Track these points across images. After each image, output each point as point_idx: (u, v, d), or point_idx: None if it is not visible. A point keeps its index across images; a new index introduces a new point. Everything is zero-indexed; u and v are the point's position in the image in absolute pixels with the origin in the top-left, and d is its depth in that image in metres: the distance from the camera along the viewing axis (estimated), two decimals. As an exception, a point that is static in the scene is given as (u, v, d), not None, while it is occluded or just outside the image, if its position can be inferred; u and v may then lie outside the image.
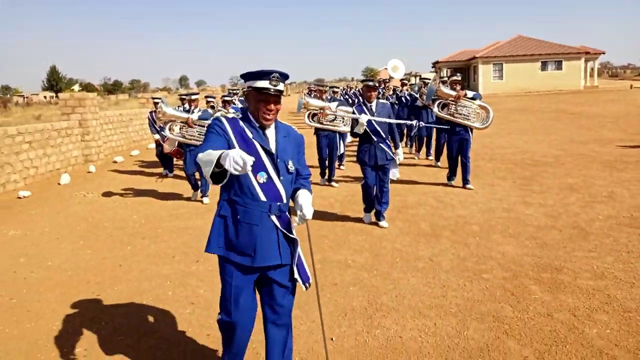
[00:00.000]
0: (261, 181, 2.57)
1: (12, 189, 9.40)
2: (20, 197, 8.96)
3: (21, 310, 4.27)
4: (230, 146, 2.52)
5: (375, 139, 5.98)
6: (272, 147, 2.64)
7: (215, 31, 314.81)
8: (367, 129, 5.94)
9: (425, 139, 11.37)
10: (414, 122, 7.03)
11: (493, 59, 40.53)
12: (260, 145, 2.60)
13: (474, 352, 3.25)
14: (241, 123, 2.64)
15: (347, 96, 18.42)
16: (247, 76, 2.57)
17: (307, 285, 2.75)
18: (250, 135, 2.60)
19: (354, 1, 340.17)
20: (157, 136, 10.15)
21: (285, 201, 2.67)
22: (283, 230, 2.65)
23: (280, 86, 2.54)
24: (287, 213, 2.72)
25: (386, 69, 19.78)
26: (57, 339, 3.73)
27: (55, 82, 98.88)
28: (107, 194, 8.91)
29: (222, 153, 2.24)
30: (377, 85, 6.18)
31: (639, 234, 5.32)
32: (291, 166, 2.68)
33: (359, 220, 6.37)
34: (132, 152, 14.35)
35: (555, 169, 9.03)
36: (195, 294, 4.39)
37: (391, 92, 13.61)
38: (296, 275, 2.71)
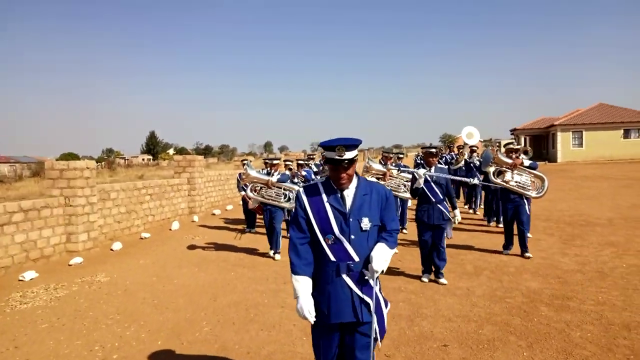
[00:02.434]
0: (329, 243, 2.77)
1: (135, 232, 11.60)
2: (142, 238, 11.12)
3: (162, 307, 6.01)
4: (306, 216, 2.84)
5: (433, 200, 6.53)
6: (347, 206, 2.79)
7: (299, 98, 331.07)
8: (426, 190, 6.55)
9: (494, 204, 11.10)
10: (470, 180, 8.07)
11: (572, 127, 40.50)
12: (333, 207, 2.80)
13: (482, 341, 4.52)
14: (320, 187, 2.88)
15: (421, 161, 19.77)
16: (322, 146, 2.79)
17: (379, 341, 2.87)
18: (325, 199, 2.82)
19: (433, 69, 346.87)
20: (243, 192, 11.47)
21: (358, 260, 2.76)
22: (355, 289, 2.78)
23: (347, 155, 2.70)
24: (363, 271, 2.79)
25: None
26: (190, 322, 5.40)
27: (152, 146, 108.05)
28: (211, 238, 10.85)
29: (299, 294, 2.77)
30: (436, 152, 6.78)
31: (652, 278, 6.28)
32: (365, 224, 2.77)
33: (413, 264, 7.65)
34: (227, 207, 16.56)
35: (603, 229, 9.88)
36: (284, 302, 5.94)
37: (462, 162, 14.12)
38: (375, 333, 2.81)
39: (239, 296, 6.30)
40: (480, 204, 13.51)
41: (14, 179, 38.17)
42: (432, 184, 6.60)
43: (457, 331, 4.81)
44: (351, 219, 2.76)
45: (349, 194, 2.82)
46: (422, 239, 6.70)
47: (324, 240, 2.77)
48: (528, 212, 7.98)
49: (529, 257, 7.68)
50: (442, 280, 6.55)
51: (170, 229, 12.28)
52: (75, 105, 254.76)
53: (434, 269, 6.69)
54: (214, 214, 15.10)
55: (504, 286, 6.25)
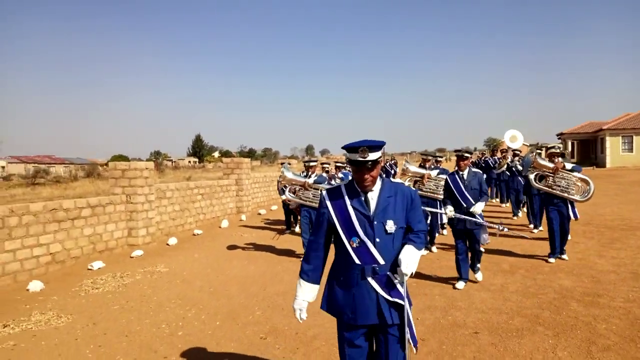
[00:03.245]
0: (354, 246, 2.75)
1: (188, 229, 12.38)
2: (194, 234, 11.87)
3: (217, 294, 6.62)
4: (330, 220, 2.86)
5: (465, 205, 6.61)
6: (372, 209, 2.78)
7: (342, 101, 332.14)
8: (457, 196, 6.66)
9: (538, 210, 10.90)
10: (446, 212, 6.88)
11: (622, 131, 39.49)
12: (356, 210, 2.79)
13: (511, 330, 4.90)
14: (343, 190, 2.87)
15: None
16: (345, 149, 2.76)
17: (415, 348, 2.86)
18: (348, 202, 2.81)
19: (478, 72, 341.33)
20: (284, 197, 11.44)
21: (383, 262, 2.75)
22: (381, 292, 2.76)
23: (371, 156, 2.68)
24: (388, 274, 2.78)
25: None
26: (244, 307, 5.98)
27: (198, 149, 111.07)
28: (258, 235, 11.50)
29: (297, 296, 2.95)
30: (467, 156, 6.74)
31: (686, 279, 6.44)
32: (390, 227, 2.76)
33: (450, 261, 7.97)
34: (272, 207, 17.26)
35: (645, 233, 9.93)
36: (328, 293, 6.44)
37: (504, 166, 13.90)
38: (407, 336, 2.78)
39: (286, 286, 6.85)
40: (522, 208, 13.45)
41: (69, 179, 40.47)
42: (464, 188, 6.66)
43: (488, 321, 5.19)
44: (375, 222, 2.76)
45: (373, 196, 2.81)
46: (456, 244, 6.74)
47: (349, 243, 2.76)
48: (573, 217, 7.82)
49: (564, 260, 7.76)
50: (478, 276, 6.70)
51: (220, 227, 13.01)
52: (122, 108, 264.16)
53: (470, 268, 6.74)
54: (259, 214, 15.81)
55: (538, 284, 6.55)
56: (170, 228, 11.68)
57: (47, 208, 8.14)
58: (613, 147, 39.67)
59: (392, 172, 21.65)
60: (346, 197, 2.83)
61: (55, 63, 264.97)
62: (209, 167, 72.53)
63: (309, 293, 2.95)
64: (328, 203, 2.87)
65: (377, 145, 2.69)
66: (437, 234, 9.44)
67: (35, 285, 7.13)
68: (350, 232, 2.76)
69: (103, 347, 4.89)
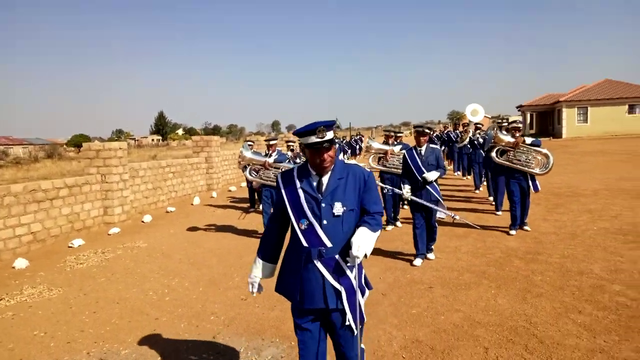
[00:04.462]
0: (302, 228, 2.74)
1: (161, 207, 12.77)
2: (168, 212, 12.28)
3: (197, 265, 7.15)
4: (283, 200, 2.86)
5: (421, 180, 6.62)
6: (322, 191, 2.76)
7: (306, 78, 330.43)
8: (414, 170, 6.66)
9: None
10: (403, 192, 6.86)
11: (577, 103, 41.07)
12: (305, 192, 2.77)
13: (460, 284, 5.62)
14: (295, 172, 2.87)
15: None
16: (298, 135, 2.73)
17: (355, 329, 2.79)
18: (298, 184, 2.80)
19: (440, 46, 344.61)
20: (246, 174, 12.01)
21: (330, 245, 2.70)
22: (327, 275, 2.74)
23: (328, 135, 2.68)
24: (336, 257, 2.75)
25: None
26: (223, 275, 6.54)
27: (162, 127, 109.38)
28: (229, 212, 12.00)
29: (251, 272, 3.02)
30: (426, 131, 6.72)
31: (614, 238, 7.30)
32: (338, 209, 2.72)
33: (407, 231, 8.66)
34: (242, 184, 17.70)
35: (587, 198, 10.87)
36: (300, 259, 7.05)
37: (467, 140, 14.30)
38: (348, 322, 2.77)
39: (261, 256, 7.42)
40: (482, 181, 13.49)
41: (30, 161, 39.69)
42: (421, 164, 6.68)
43: (441, 278, 5.91)
44: (323, 204, 2.73)
45: (325, 178, 2.79)
46: (414, 219, 6.76)
47: (298, 225, 2.76)
48: (534, 189, 8.08)
49: (527, 230, 8.03)
50: (430, 256, 6.75)
51: (192, 204, 13.45)
52: (81, 86, 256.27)
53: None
54: (230, 191, 16.27)
55: (487, 245, 7.32)
56: (144, 206, 12.05)
57: (27, 189, 8.44)
58: (569, 118, 41.28)
59: (357, 147, 22.22)
60: (296, 179, 2.83)
61: (10, 40, 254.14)
62: (174, 145, 71.80)
63: (262, 270, 3.02)
64: (281, 186, 2.89)
65: (330, 124, 2.71)
66: (399, 209, 9.65)
67: (21, 263, 7.50)
68: (299, 214, 2.77)
69: (98, 313, 5.39)
